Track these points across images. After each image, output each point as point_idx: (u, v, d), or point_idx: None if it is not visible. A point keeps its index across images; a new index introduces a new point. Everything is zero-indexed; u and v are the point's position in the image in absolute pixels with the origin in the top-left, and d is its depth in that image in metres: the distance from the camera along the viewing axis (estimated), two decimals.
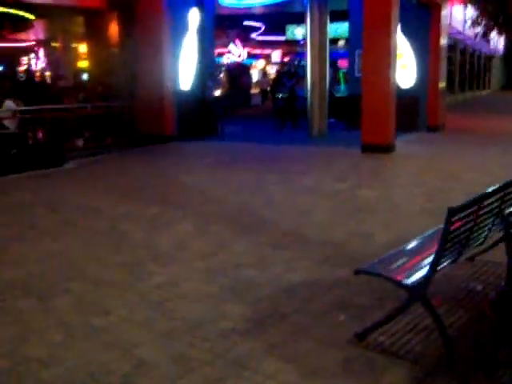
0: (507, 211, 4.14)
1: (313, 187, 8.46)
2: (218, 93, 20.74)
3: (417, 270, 3.66)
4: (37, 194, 8.63)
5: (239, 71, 26.40)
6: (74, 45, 20.45)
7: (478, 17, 24.49)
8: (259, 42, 29.07)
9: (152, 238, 6.13)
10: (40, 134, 11.88)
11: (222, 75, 27.42)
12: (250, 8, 21.60)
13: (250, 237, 6.09)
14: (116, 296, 4.60)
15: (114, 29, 13.60)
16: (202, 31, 14.30)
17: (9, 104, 11.59)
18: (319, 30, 13.61)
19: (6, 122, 11.46)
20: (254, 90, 28.22)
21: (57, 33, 22.99)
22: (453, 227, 3.40)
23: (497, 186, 3.83)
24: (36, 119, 12.06)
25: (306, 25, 13.81)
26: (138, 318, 4.18)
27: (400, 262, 3.89)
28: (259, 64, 32.85)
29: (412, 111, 14.37)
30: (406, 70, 14.84)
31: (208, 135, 14.23)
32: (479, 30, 25.35)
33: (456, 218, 3.40)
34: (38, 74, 26.91)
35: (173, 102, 13.59)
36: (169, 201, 7.89)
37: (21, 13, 20.69)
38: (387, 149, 11.19)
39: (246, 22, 23.97)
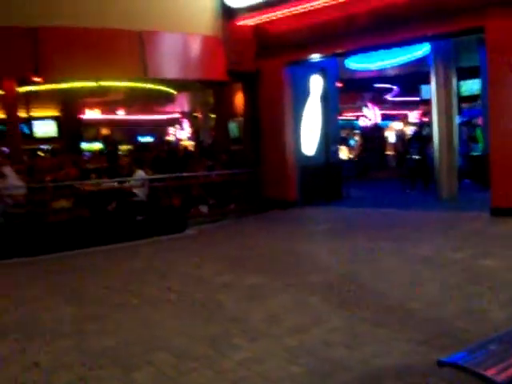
0: None
1: (429, 256, 7.79)
2: (345, 156, 20.57)
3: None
4: (151, 261, 8.88)
5: (374, 133, 26.01)
6: (212, 115, 21.43)
7: None
8: (395, 103, 28.61)
9: (246, 310, 5.94)
10: (166, 202, 12.32)
11: (356, 138, 27.22)
12: (382, 70, 21.48)
13: (350, 311, 5.67)
14: (195, 371, 4.45)
15: (238, 99, 14.09)
16: (325, 96, 14.30)
17: (140, 174, 12.22)
18: (444, 88, 12.99)
19: (137, 190, 12.06)
20: (390, 152, 27.61)
21: (195, 105, 24.46)
22: None
23: None
24: (165, 187, 12.57)
25: (431, 83, 13.29)
26: None
27: (497, 351, 3.32)
28: (395, 125, 32.22)
29: None
30: None
31: (332, 200, 13.96)
32: None
33: None
34: (181, 143, 28.70)
35: (295, 168, 13.59)
36: (273, 270, 7.68)
37: (164, 88, 22.32)
38: None
39: (377, 85, 23.76)
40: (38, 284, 7.75)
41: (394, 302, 5.86)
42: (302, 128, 13.89)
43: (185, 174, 12.85)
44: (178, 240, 10.71)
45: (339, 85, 18.77)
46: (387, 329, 5.10)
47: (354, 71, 20.84)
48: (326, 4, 11.81)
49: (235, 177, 13.29)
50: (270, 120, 13.60)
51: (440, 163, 13.19)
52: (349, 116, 28.04)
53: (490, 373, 3.04)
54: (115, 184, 12.35)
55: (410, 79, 22.94)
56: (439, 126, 13.16)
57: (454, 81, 13.39)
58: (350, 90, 23.31)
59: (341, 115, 26.01)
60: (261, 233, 11.01)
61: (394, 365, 4.33)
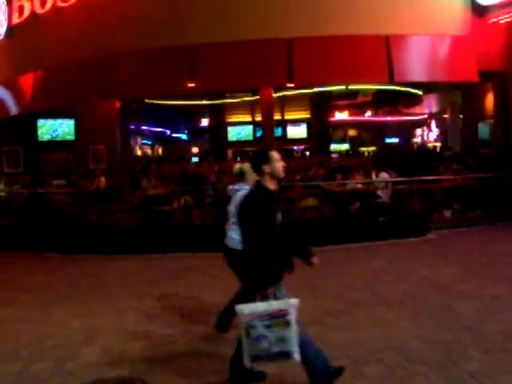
0: None
1: None
2: None
3: None
4: (390, 262, 9.07)
5: None
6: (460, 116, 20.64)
7: None
8: None
9: (484, 321, 5.77)
10: (409, 204, 12.26)
11: None
12: None
13: None
14: (423, 376, 4.55)
15: (488, 99, 13.43)
16: None
17: (383, 175, 12.39)
18: None
19: (380, 192, 12.26)
20: None
21: (444, 105, 23.79)
22: None
23: None
24: (408, 189, 12.53)
25: None
26: None
27: None
28: None
29: None
30: None
31: None
32: None
33: None
34: (430, 144, 28.10)
35: None
36: None
37: (411, 90, 22.24)
38: None
39: None
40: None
41: None
42: None
43: (428, 178, 12.63)
44: (419, 243, 10.65)
45: None
46: None
47: None
48: None
49: (482, 181, 12.67)
50: None
51: None
52: None
53: None
54: (359, 185, 12.70)
55: None
56: None
57: None
58: None
59: None
60: (509, 241, 10.40)
61: None
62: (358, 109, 29.48)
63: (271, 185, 4.33)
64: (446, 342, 5.23)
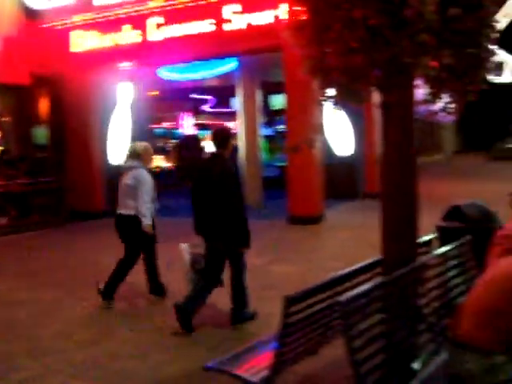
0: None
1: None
2: (163, 164, 20.68)
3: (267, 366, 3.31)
4: None
5: (189, 143, 26.09)
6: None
7: None
8: (212, 113, 28.85)
9: (37, 326, 5.70)
10: None
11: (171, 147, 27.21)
12: (199, 80, 21.76)
13: None
14: None
15: (44, 104, 13.50)
16: (136, 105, 14.21)
17: None
18: (249, 101, 13.67)
19: None
20: None
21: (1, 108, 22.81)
22: (293, 319, 3.12)
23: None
24: None
25: (237, 96, 13.92)
26: None
27: (253, 355, 3.58)
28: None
29: (348, 179, 14.43)
30: (342, 139, 14.98)
31: None
32: None
33: (297, 307, 3.14)
34: None
35: (103, 177, 13.24)
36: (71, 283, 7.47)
37: None
38: (315, 219, 10.97)
39: (192, 95, 23.93)
40: None
41: None
42: (109, 136, 13.63)
43: None
44: None
45: (155, 93, 18.78)
46: None
47: (174, 80, 20.85)
48: (124, 15, 12.01)
49: (36, 186, 12.62)
50: (76, 127, 13.21)
51: (246, 174, 13.65)
52: (168, 125, 27.90)
53: (246, 374, 3.29)
54: None
55: (224, 92, 23.42)
56: (245, 138, 13.76)
57: (260, 94, 14.01)
58: (169, 100, 23.31)
59: (160, 124, 26.10)
60: (60, 246, 10.55)
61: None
62: None
63: None
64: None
